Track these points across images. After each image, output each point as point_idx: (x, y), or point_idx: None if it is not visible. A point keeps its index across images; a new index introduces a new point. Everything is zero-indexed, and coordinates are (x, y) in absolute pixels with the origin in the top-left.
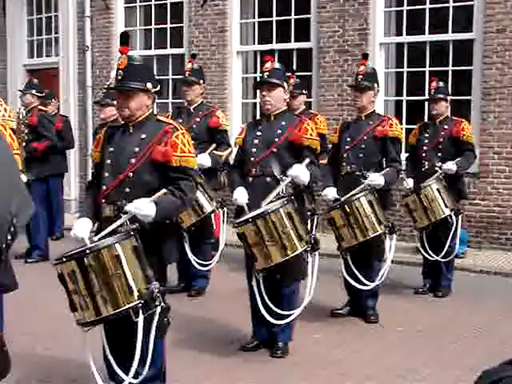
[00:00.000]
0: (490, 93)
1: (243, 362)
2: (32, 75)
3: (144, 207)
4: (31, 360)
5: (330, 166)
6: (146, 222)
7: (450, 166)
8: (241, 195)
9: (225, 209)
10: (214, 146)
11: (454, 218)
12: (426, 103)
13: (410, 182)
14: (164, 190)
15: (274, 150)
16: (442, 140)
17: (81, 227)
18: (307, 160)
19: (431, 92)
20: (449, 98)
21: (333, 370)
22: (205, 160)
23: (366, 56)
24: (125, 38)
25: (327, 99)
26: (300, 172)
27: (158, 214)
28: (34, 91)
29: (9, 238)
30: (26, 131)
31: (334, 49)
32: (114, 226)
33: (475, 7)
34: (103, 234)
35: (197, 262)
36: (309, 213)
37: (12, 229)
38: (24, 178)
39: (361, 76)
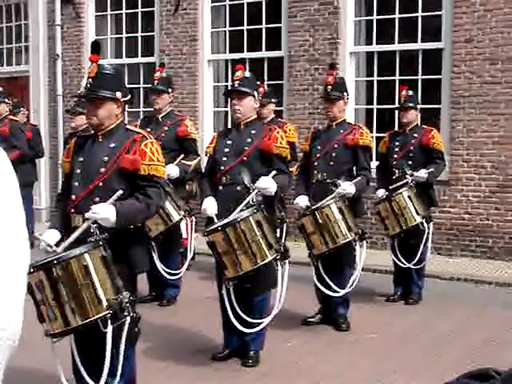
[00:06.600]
0: (459, 101)
1: (214, 371)
2: None
3: (101, 210)
4: None
5: (302, 174)
6: (111, 228)
7: (422, 174)
8: (210, 206)
9: (193, 218)
10: (182, 156)
11: (425, 224)
12: (396, 112)
13: (380, 192)
14: (120, 192)
15: (244, 158)
16: (412, 148)
17: (49, 237)
18: (273, 172)
19: (401, 101)
20: (418, 106)
21: (305, 379)
22: (173, 170)
23: (332, 66)
24: (95, 47)
25: (298, 108)
26: (267, 184)
27: (119, 218)
28: (6, 100)
29: None
30: None
31: (305, 58)
32: (76, 235)
33: (443, 17)
34: (67, 243)
35: (165, 271)
36: (278, 221)
37: None
38: None
39: (330, 87)
